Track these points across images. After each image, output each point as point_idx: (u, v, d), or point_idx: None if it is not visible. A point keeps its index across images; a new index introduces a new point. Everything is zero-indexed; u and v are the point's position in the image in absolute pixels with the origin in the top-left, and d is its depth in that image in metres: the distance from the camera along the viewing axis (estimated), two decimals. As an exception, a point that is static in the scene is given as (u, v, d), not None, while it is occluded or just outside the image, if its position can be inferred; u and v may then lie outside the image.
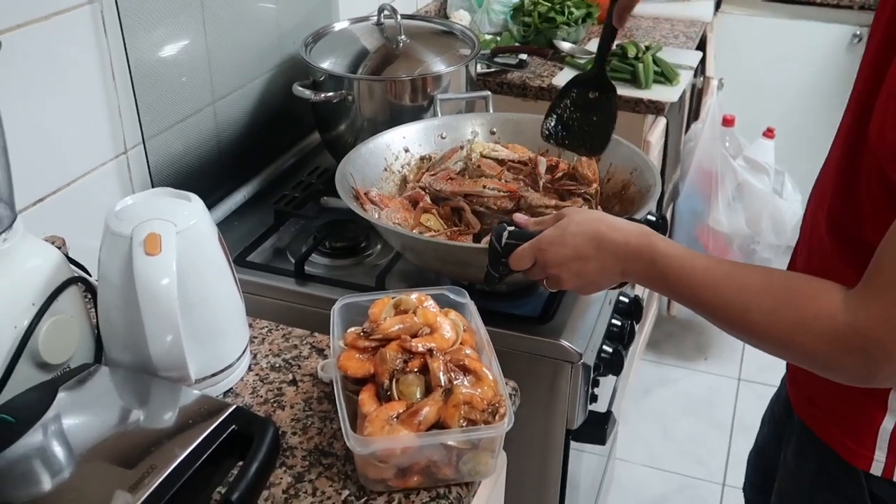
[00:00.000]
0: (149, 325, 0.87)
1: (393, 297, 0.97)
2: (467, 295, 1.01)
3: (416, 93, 1.52)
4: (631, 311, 1.38)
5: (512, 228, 1.01)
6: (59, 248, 1.06)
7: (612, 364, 1.27)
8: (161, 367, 0.89)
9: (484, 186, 1.27)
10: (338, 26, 1.65)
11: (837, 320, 0.78)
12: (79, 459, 0.80)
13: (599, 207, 1.29)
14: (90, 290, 0.97)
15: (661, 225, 1.14)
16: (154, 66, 1.29)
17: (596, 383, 1.27)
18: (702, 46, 2.37)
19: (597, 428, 1.31)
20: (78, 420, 0.85)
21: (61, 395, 0.86)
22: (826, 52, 2.86)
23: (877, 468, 0.96)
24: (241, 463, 0.81)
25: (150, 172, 1.31)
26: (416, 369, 0.88)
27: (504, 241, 1.00)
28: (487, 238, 1.05)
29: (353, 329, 0.94)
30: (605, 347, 1.27)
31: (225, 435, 0.82)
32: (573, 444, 1.30)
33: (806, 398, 1.05)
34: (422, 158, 1.41)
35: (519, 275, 1.01)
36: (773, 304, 0.82)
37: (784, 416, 1.14)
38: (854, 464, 0.97)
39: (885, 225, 0.79)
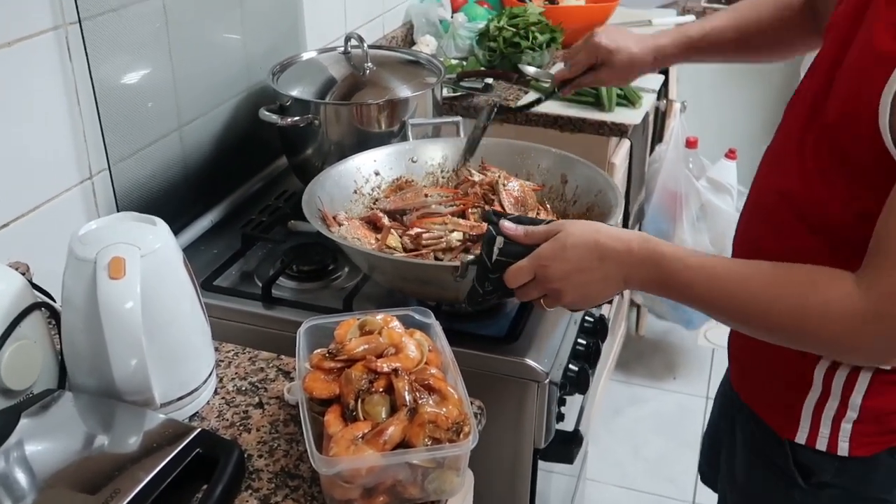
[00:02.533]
0: (113, 349, 0.87)
1: (358, 319, 0.98)
2: (433, 315, 1.01)
3: (383, 118, 1.53)
4: (596, 331, 1.39)
5: (500, 244, 0.97)
6: (24, 273, 1.06)
7: (578, 383, 1.28)
8: (125, 391, 0.89)
9: (426, 196, 1.29)
10: (305, 56, 1.67)
11: (854, 302, 0.84)
12: (42, 486, 0.80)
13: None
14: (54, 316, 0.97)
15: None
16: (120, 92, 1.29)
17: (563, 402, 1.28)
18: (664, 70, 2.42)
19: (564, 447, 1.32)
20: (41, 446, 0.85)
21: (24, 422, 0.86)
22: (784, 74, 2.93)
23: (801, 437, 1.06)
24: (206, 486, 0.82)
25: (115, 197, 1.31)
26: (381, 389, 0.88)
27: (495, 257, 0.96)
28: (470, 255, 1.05)
29: (318, 350, 0.94)
30: (570, 366, 1.28)
31: (190, 458, 0.82)
32: (541, 463, 1.31)
33: (743, 377, 1.16)
34: (395, 181, 1.42)
35: (496, 295, 1.00)
36: (794, 296, 0.87)
37: (730, 393, 1.22)
38: (783, 435, 1.07)
39: (843, 200, 0.89)
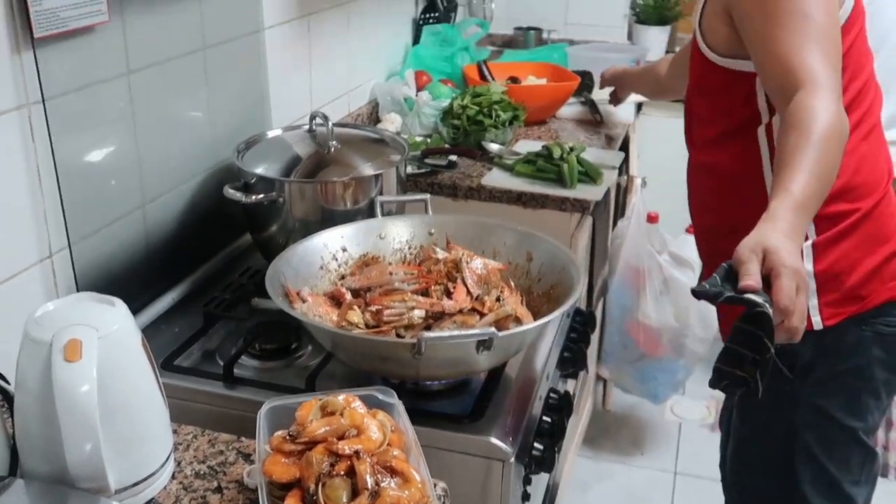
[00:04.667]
0: (67, 433, 0.85)
1: (320, 399, 0.96)
2: (395, 395, 1.01)
3: (348, 195, 1.54)
4: (562, 407, 1.39)
5: (731, 294, 0.97)
6: (-23, 355, 1.04)
7: (543, 461, 1.27)
8: (79, 477, 0.86)
9: (391, 273, 1.30)
10: (271, 133, 1.68)
11: (818, 99, 1.15)
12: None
13: (522, 299, 1.32)
14: (7, 399, 0.95)
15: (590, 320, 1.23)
16: (83, 170, 1.29)
17: (528, 481, 1.26)
18: (625, 147, 2.47)
19: (531, 527, 1.30)
20: (-12, 537, 0.82)
21: (-29, 511, 0.83)
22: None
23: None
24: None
25: (75, 276, 1.30)
26: (342, 472, 0.87)
27: (758, 311, 0.94)
28: (412, 334, 1.05)
29: (279, 432, 0.93)
30: (536, 444, 1.27)
31: (144, 548, 0.80)
32: (508, 544, 1.29)
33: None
34: (361, 257, 1.43)
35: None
36: (814, 132, 1.12)
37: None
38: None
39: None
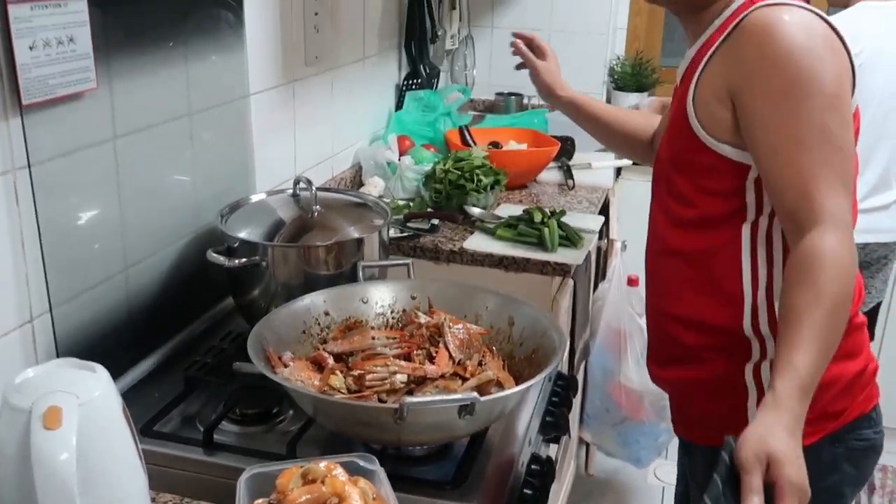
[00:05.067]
0: (44, 502, 0.84)
1: (301, 467, 0.96)
2: (377, 462, 1.00)
3: (330, 259, 1.55)
4: (544, 473, 1.38)
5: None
6: (-47, 422, 1.02)
7: (526, 529, 1.26)
8: (55, 547, 0.85)
9: (373, 338, 1.31)
10: (254, 198, 1.70)
11: (829, 241, 1.13)
12: None
13: (504, 363, 1.33)
14: (-17, 467, 0.94)
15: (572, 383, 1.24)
16: (66, 234, 1.30)
17: (511, 549, 1.25)
18: (605, 211, 2.51)
19: None
20: None
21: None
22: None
23: None
24: None
25: (55, 341, 1.29)
26: (324, 542, 0.86)
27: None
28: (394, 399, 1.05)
29: (259, 501, 0.92)
30: (519, 511, 1.26)
31: None
32: None
33: (684, 423, 1.48)
34: (344, 321, 1.43)
35: None
36: (820, 283, 1.10)
37: (680, 454, 1.56)
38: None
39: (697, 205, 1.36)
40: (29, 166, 1.20)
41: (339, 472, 0.95)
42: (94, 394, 0.91)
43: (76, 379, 0.92)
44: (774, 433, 1.00)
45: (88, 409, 0.89)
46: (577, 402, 2.45)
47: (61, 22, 1.20)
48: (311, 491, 0.91)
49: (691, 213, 1.36)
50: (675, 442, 2.82)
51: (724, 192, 1.31)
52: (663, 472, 2.88)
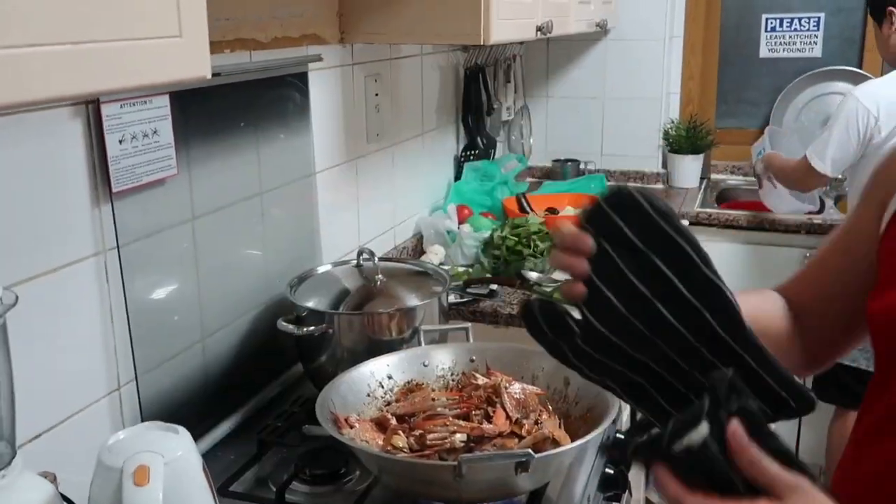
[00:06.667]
0: (134, 553, 0.92)
1: (367, 521, 1.02)
2: (438, 517, 1.06)
3: (393, 325, 1.64)
4: None
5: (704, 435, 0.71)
6: (52, 482, 1.12)
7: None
8: None
9: (433, 399, 1.37)
10: (321, 269, 1.81)
11: None
12: None
13: (561, 423, 1.37)
14: (78, 523, 1.03)
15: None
16: (149, 308, 1.41)
17: None
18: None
19: None
20: None
21: None
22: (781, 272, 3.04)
23: None
24: None
25: (140, 407, 1.39)
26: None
27: (686, 444, 0.71)
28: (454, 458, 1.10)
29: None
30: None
31: None
32: None
33: None
34: (406, 384, 1.50)
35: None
36: None
37: None
38: None
39: None
40: (118, 247, 1.32)
41: (402, 526, 1.01)
42: (177, 453, 0.99)
43: (161, 440, 1.01)
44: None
45: (173, 468, 0.98)
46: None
47: (146, 117, 1.33)
48: (376, 543, 0.97)
49: None
50: None
51: None
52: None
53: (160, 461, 0.97)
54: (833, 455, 2.75)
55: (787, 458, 0.72)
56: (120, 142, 1.29)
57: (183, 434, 1.04)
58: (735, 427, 0.72)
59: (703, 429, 0.71)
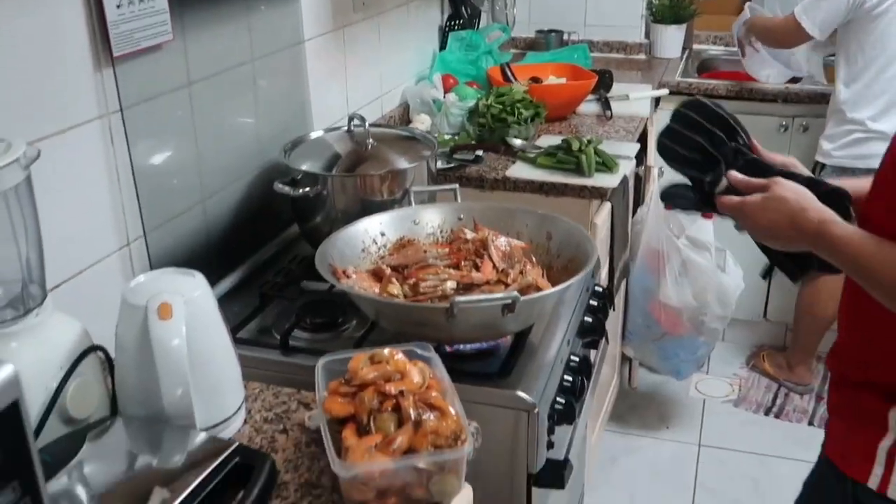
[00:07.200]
0: (163, 379, 1.03)
1: (368, 353, 1.13)
2: (433, 349, 1.17)
3: (384, 187, 1.72)
4: (581, 370, 1.55)
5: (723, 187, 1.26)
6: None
7: (565, 414, 1.43)
8: (173, 416, 1.04)
9: (425, 251, 1.47)
10: (313, 135, 1.87)
11: None
12: (100, 498, 0.94)
13: (544, 273, 1.47)
14: (108, 361, 1.13)
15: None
16: (152, 170, 1.48)
17: (552, 431, 1.42)
18: (643, 139, 2.62)
19: (555, 473, 1.46)
20: (100, 463, 1.00)
21: (87, 444, 1.01)
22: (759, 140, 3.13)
23: (874, 482, 1.16)
24: (243, 491, 0.96)
25: (150, 262, 1.48)
26: (390, 408, 1.03)
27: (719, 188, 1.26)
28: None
29: (335, 379, 1.10)
30: (558, 399, 1.43)
31: (230, 466, 0.97)
32: (536, 490, 1.44)
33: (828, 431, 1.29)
34: (398, 240, 1.59)
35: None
36: None
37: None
38: (851, 474, 1.17)
39: None
40: (122, 110, 1.38)
41: (401, 356, 1.12)
42: (195, 293, 1.09)
43: (179, 282, 1.11)
44: (803, 202, 1.13)
45: (192, 306, 1.07)
46: (618, 319, 2.60)
47: (142, -20, 1.37)
48: (378, 369, 1.08)
49: None
50: (715, 356, 2.97)
51: None
52: (704, 385, 3.03)
53: (180, 299, 1.06)
54: (802, 310, 2.90)
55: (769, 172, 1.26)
56: (118, 6, 1.32)
57: (198, 277, 1.13)
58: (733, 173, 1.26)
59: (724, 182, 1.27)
